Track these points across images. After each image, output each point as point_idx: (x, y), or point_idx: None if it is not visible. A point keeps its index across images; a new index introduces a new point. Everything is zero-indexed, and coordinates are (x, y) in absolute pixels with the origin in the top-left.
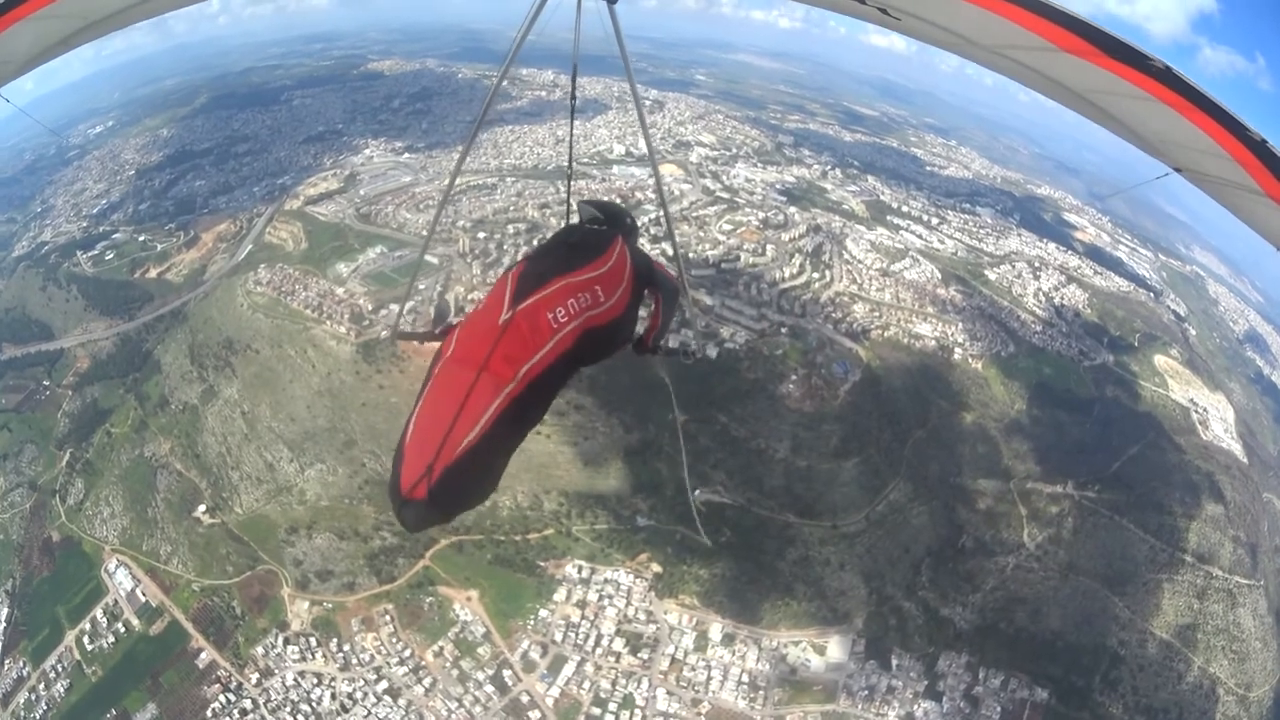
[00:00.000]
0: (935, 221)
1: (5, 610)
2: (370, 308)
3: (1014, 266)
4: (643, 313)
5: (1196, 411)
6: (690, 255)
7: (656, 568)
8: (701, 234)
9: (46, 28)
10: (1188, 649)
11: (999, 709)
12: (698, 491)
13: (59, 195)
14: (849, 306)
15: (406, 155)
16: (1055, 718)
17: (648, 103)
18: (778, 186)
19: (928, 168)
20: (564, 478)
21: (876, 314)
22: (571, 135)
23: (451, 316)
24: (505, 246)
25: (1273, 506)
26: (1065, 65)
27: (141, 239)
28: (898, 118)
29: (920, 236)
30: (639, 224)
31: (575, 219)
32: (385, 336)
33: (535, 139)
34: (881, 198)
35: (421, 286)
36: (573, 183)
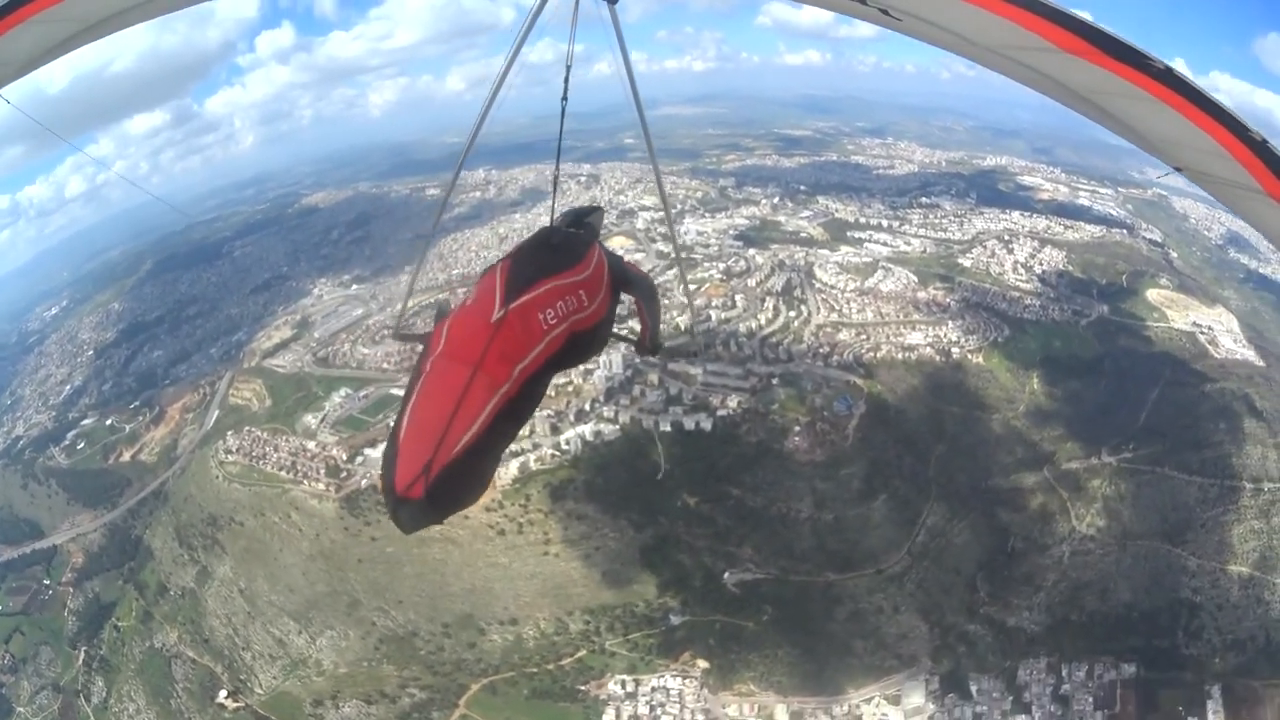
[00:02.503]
0: (896, 225)
1: None
2: (345, 457)
3: (985, 246)
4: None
5: (1203, 332)
6: (662, 327)
7: (703, 663)
8: (667, 301)
9: (46, 31)
10: (1262, 572)
11: (1090, 700)
12: (727, 574)
13: (25, 385)
14: (834, 337)
15: (355, 287)
16: (1148, 686)
17: (582, 178)
18: (731, 232)
19: (873, 172)
20: (584, 594)
21: (864, 337)
22: (561, 135)
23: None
24: None
25: None
26: (1066, 65)
27: (109, 422)
28: (830, 131)
29: (885, 244)
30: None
31: (565, 218)
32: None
33: (479, 242)
34: (837, 215)
35: (393, 424)
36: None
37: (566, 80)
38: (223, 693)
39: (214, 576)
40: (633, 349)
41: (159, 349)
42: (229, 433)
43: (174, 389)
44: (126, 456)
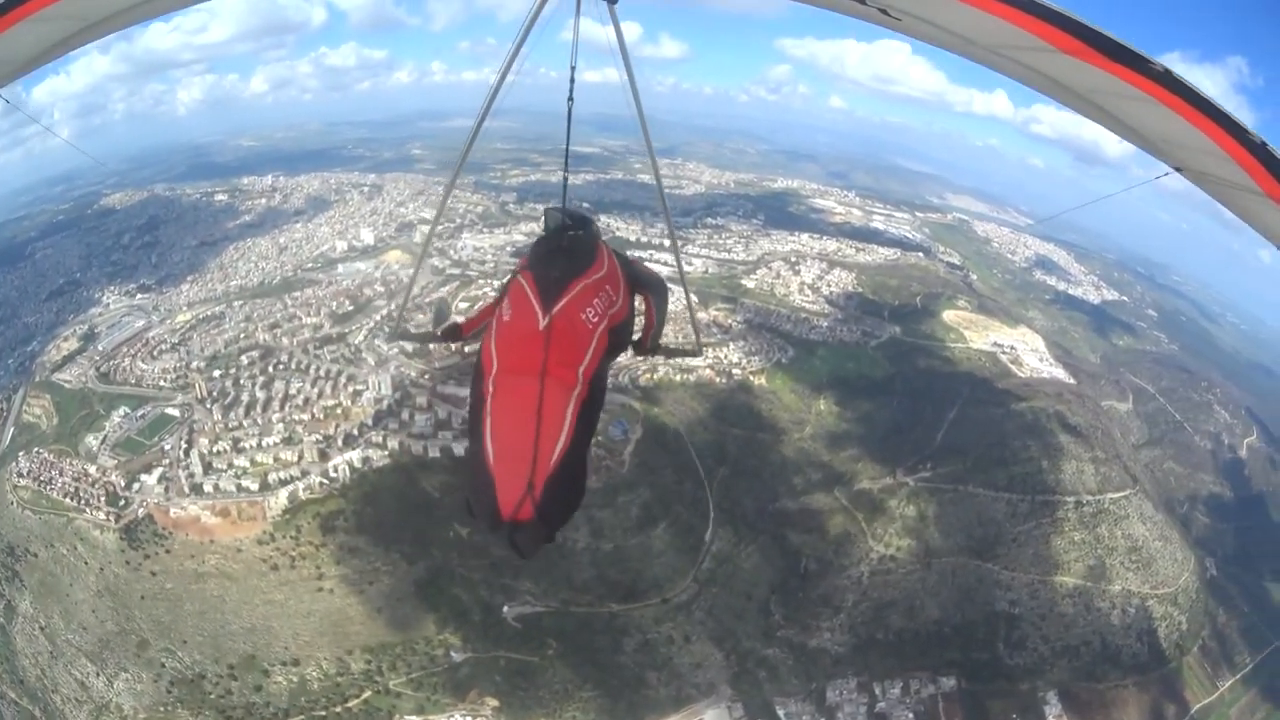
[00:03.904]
0: (678, 245)
1: None
2: (123, 484)
3: (771, 268)
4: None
5: (1004, 351)
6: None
7: (493, 701)
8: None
9: (46, 30)
10: (1083, 580)
11: (910, 715)
12: (506, 608)
13: None
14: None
15: (139, 296)
16: (973, 698)
17: (365, 188)
18: (509, 249)
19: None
20: (363, 632)
21: (640, 358)
22: (569, 137)
23: (453, 316)
24: (242, 381)
25: (1115, 411)
26: (1065, 66)
27: None
28: (618, 149)
29: (667, 264)
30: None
31: (556, 223)
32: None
33: (259, 253)
34: (618, 233)
35: (168, 446)
36: (301, 292)
37: (571, 81)
38: None
39: (17, 612)
40: (631, 348)
41: None
42: (20, 454)
43: None
44: None
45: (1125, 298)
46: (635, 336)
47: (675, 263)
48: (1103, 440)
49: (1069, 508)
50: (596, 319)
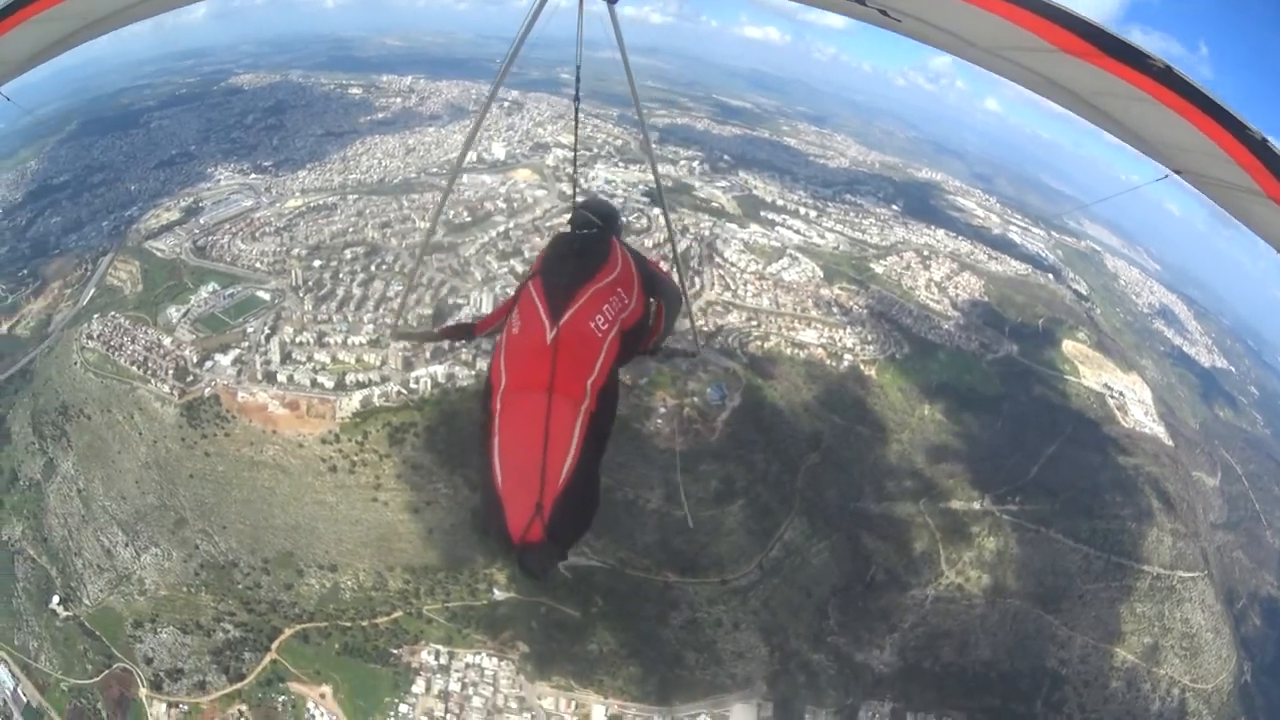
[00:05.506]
0: (813, 215)
1: None
2: (195, 359)
3: (902, 257)
4: None
5: (1113, 396)
6: None
7: (524, 646)
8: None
9: (47, 29)
10: (1136, 656)
11: None
12: None
13: None
14: (723, 317)
15: (253, 176)
16: None
17: (505, 103)
18: (640, 187)
19: (804, 157)
20: (408, 551)
21: (754, 323)
22: (576, 138)
23: (452, 318)
24: (341, 275)
25: (1202, 485)
26: (1065, 66)
27: None
28: (769, 108)
29: (798, 231)
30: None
31: (576, 219)
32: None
33: (385, 150)
34: (755, 192)
35: (250, 330)
36: (420, 195)
37: (578, 80)
38: (55, 598)
39: (58, 472)
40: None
41: (58, 215)
42: (95, 316)
43: (60, 260)
44: (3, 328)
45: (1233, 368)
46: None
47: (801, 230)
48: (1186, 514)
49: (1142, 577)
50: (606, 326)
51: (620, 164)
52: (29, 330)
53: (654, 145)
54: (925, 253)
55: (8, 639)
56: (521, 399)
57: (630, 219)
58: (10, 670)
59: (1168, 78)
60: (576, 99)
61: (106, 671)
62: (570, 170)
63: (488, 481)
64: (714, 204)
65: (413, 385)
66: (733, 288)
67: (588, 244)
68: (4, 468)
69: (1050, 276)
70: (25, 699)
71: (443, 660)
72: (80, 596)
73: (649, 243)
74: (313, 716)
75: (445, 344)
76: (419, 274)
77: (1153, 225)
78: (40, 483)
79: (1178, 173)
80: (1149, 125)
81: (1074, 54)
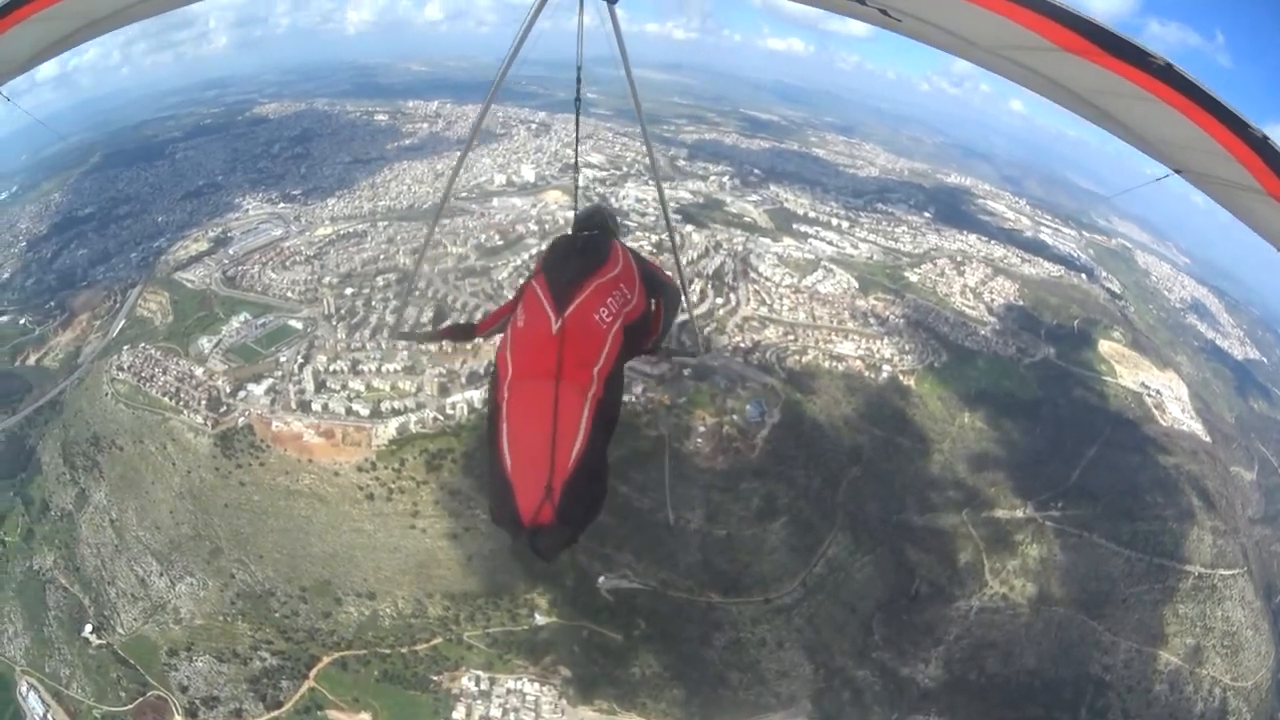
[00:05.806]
0: (846, 225)
1: None
2: (229, 389)
3: (935, 264)
4: None
5: (1150, 395)
6: None
7: (565, 671)
8: None
9: (48, 28)
10: (1179, 658)
11: None
12: (602, 579)
13: None
14: (760, 332)
15: (282, 205)
16: None
17: (534, 125)
18: (673, 205)
19: (834, 168)
20: (447, 577)
21: (791, 337)
22: (577, 138)
23: (452, 318)
24: (374, 303)
25: (1240, 479)
26: (1066, 66)
27: (22, 321)
28: (796, 120)
29: (831, 243)
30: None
31: (577, 223)
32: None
33: (414, 176)
34: (786, 205)
35: (283, 359)
36: (451, 220)
37: (579, 81)
38: (88, 627)
39: (90, 502)
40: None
41: (85, 247)
42: (125, 347)
43: (88, 293)
44: (32, 360)
45: (1265, 359)
46: None
47: (834, 241)
48: (1226, 511)
49: (1184, 577)
50: (610, 318)
51: (650, 182)
52: (58, 362)
53: (683, 162)
54: (959, 259)
55: (38, 666)
56: (529, 386)
57: (662, 236)
58: (41, 697)
59: (1169, 75)
60: (577, 99)
61: (140, 699)
62: (597, 190)
63: (496, 468)
64: (746, 219)
65: (449, 410)
66: (769, 302)
67: (588, 243)
68: (35, 498)
69: (1083, 276)
70: None
71: (483, 686)
72: (114, 625)
73: (682, 261)
74: None
75: (445, 345)
76: (418, 275)
77: (1179, 218)
78: (72, 513)
79: (1179, 171)
80: (1150, 124)
81: (1075, 52)
